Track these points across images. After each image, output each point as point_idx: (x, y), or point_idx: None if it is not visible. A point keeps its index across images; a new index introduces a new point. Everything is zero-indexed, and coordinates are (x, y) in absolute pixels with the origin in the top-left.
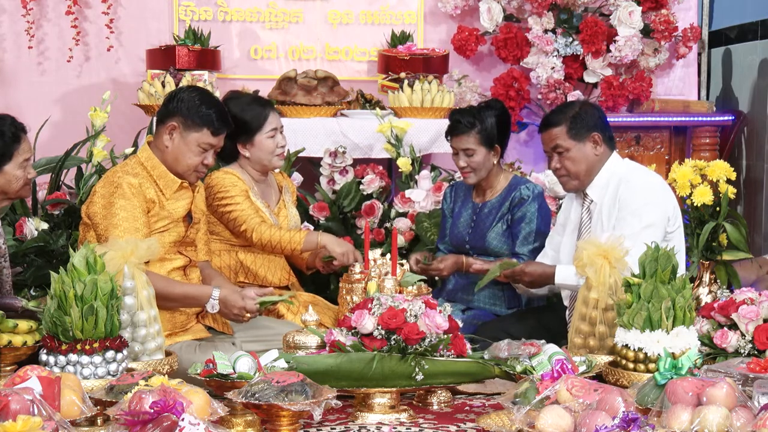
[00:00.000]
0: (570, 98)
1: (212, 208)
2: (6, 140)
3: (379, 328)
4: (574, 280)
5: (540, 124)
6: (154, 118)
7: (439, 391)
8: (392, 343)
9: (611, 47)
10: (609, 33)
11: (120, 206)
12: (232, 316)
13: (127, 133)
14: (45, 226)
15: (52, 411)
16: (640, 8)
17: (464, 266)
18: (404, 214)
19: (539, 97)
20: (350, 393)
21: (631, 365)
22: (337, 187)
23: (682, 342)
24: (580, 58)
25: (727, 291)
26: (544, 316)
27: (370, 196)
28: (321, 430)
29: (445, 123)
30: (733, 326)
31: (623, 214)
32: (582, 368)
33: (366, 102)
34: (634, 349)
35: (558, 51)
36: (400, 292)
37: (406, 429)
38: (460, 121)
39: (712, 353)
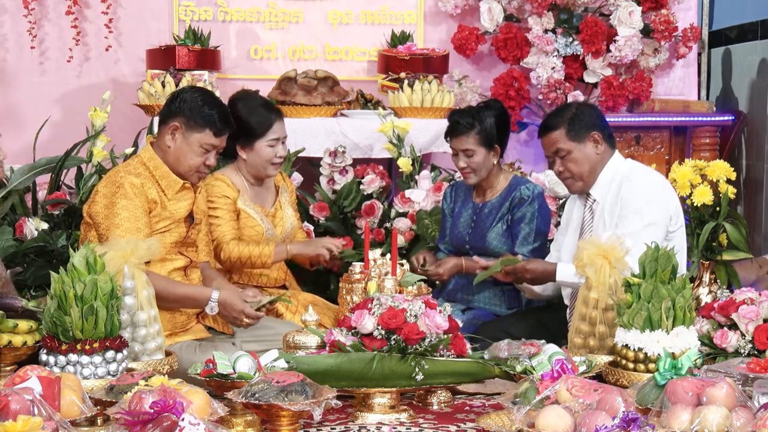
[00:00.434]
0: (570, 98)
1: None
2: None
3: (379, 328)
4: (575, 278)
5: (539, 129)
6: (155, 118)
7: (439, 391)
8: (392, 343)
9: (611, 47)
10: (609, 33)
11: (122, 206)
12: (231, 318)
13: (127, 133)
14: (45, 226)
15: (52, 411)
16: (640, 8)
17: (464, 269)
18: (404, 214)
19: (539, 97)
20: (350, 393)
21: (631, 365)
22: (337, 187)
23: (682, 342)
24: (580, 58)
25: (727, 291)
26: (544, 316)
27: (370, 196)
28: (321, 430)
29: (445, 123)
30: (733, 326)
31: (625, 213)
32: (582, 368)
33: (366, 102)
34: (634, 349)
35: (558, 51)
36: (400, 292)
37: (406, 429)
38: (459, 122)
39: (712, 353)
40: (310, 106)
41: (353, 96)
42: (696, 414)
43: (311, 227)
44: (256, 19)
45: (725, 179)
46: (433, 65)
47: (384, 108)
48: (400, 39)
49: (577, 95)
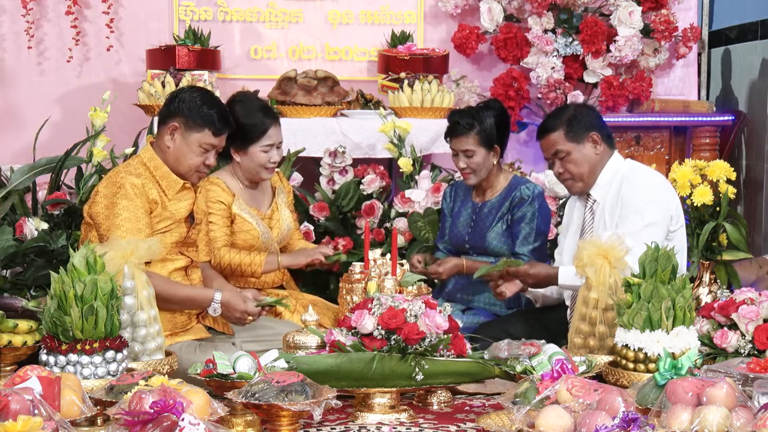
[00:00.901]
0: (570, 98)
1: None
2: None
3: (379, 328)
4: (578, 281)
5: (537, 131)
6: (155, 118)
7: (439, 391)
8: (392, 343)
9: (611, 47)
10: (609, 33)
11: (123, 206)
12: (234, 319)
13: (127, 133)
14: (45, 226)
15: (52, 411)
16: (640, 8)
17: (464, 269)
18: (404, 214)
19: (539, 97)
20: (350, 393)
21: (631, 365)
22: (337, 187)
23: (682, 342)
24: (580, 58)
25: (727, 291)
26: (544, 316)
27: (370, 196)
28: (321, 430)
29: (445, 123)
30: (733, 326)
31: (626, 212)
32: (582, 368)
33: (366, 102)
34: (634, 349)
35: (558, 51)
36: (400, 292)
37: (406, 429)
38: (458, 123)
39: (712, 353)
40: (310, 106)
41: (353, 96)
42: (696, 414)
43: (311, 227)
44: (256, 19)
45: (725, 179)
46: (433, 65)
47: (384, 108)
48: (400, 39)
49: (576, 95)
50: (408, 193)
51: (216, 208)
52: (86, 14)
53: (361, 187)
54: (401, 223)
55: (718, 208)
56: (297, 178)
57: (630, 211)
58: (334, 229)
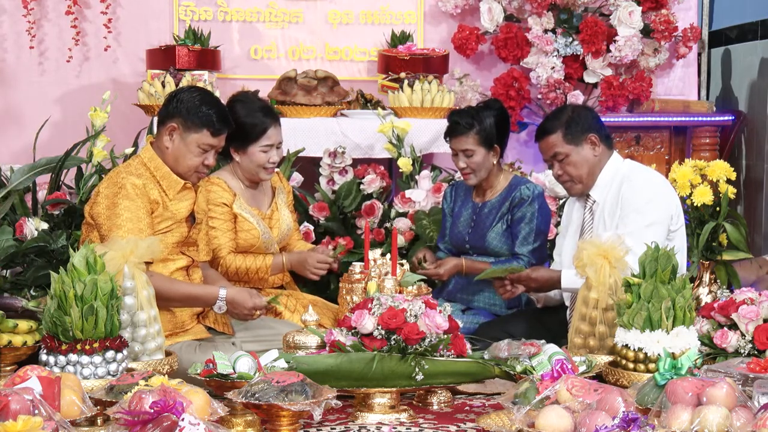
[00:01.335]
0: (570, 98)
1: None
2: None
3: (379, 328)
4: (581, 284)
5: (535, 133)
6: (155, 118)
7: (439, 391)
8: (392, 343)
9: (611, 47)
10: (609, 33)
11: (124, 207)
12: (243, 315)
13: (127, 133)
14: (45, 226)
15: (52, 411)
16: (640, 8)
17: (464, 269)
18: (404, 214)
19: (539, 97)
20: (350, 393)
21: (631, 365)
22: (337, 187)
23: (682, 342)
24: (580, 58)
25: (727, 291)
26: (544, 316)
27: (370, 196)
28: (321, 430)
29: (445, 123)
30: (733, 326)
31: (626, 212)
32: (582, 368)
33: (366, 102)
34: (634, 349)
35: (558, 51)
36: (400, 292)
37: (406, 429)
38: (458, 122)
39: (712, 353)
40: (310, 106)
41: (353, 96)
42: (696, 414)
43: (311, 227)
44: (256, 18)
45: (725, 179)
46: (433, 65)
47: (384, 108)
48: (400, 39)
49: (576, 95)
50: (408, 193)
51: (218, 212)
52: (86, 14)
53: (361, 187)
54: (401, 223)
55: (718, 208)
56: (297, 178)
57: (630, 211)
58: (334, 229)
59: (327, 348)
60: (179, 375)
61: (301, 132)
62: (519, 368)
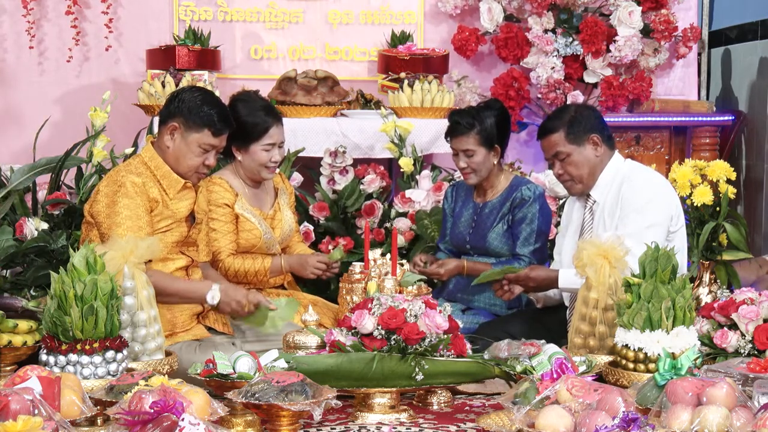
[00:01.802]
0: (570, 98)
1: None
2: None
3: (379, 328)
4: (578, 283)
5: (537, 132)
6: (155, 118)
7: (439, 391)
8: (392, 343)
9: (611, 47)
10: (609, 33)
11: (123, 205)
12: (234, 304)
13: (127, 133)
14: (45, 226)
15: (52, 411)
16: (640, 8)
17: (465, 271)
18: (404, 214)
19: (539, 97)
20: (350, 393)
21: (631, 365)
22: (337, 187)
23: (682, 342)
24: (580, 58)
25: (727, 291)
26: (544, 316)
27: (370, 196)
28: (321, 430)
29: (445, 123)
30: (733, 326)
31: (626, 212)
32: (582, 368)
33: (366, 102)
34: (634, 349)
35: (558, 51)
36: (400, 292)
37: (406, 429)
38: (459, 122)
39: (712, 353)
40: (310, 106)
41: (353, 96)
42: (696, 414)
43: (311, 227)
44: (257, 19)
45: (725, 179)
46: (433, 65)
47: (384, 108)
48: (400, 39)
49: (576, 95)
50: (408, 193)
51: (219, 213)
52: (86, 14)
53: (362, 187)
54: (401, 223)
55: (718, 208)
56: (297, 178)
57: (630, 211)
58: (334, 229)
59: (327, 348)
60: (179, 375)
61: (301, 132)
62: (519, 368)
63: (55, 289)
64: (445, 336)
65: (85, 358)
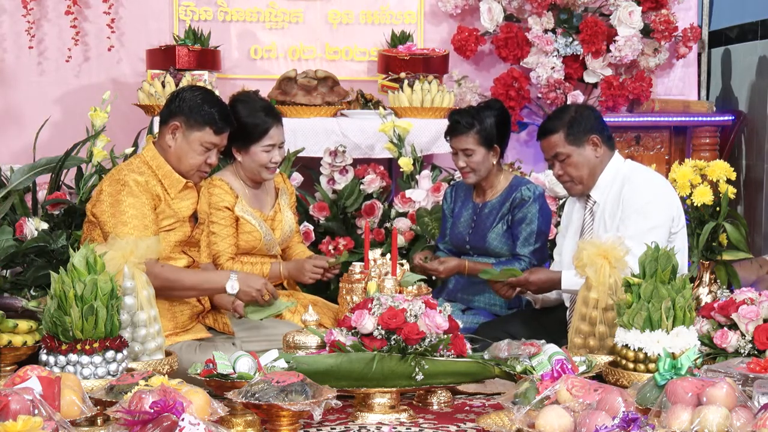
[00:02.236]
0: (570, 98)
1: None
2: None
3: (379, 328)
4: (580, 285)
5: (537, 132)
6: (155, 118)
7: (439, 391)
8: (392, 343)
9: (611, 47)
10: (609, 33)
11: (128, 204)
12: (254, 292)
13: (127, 133)
14: (45, 226)
15: (52, 411)
16: (640, 8)
17: (465, 270)
18: (404, 214)
19: (539, 96)
20: (350, 393)
21: (631, 365)
22: (337, 187)
23: (682, 342)
24: (580, 58)
25: (727, 291)
26: (544, 316)
27: (370, 196)
28: (321, 430)
29: (445, 123)
30: (733, 326)
31: (627, 214)
32: (582, 368)
33: (366, 102)
34: (634, 349)
35: (558, 51)
36: (400, 292)
37: (406, 429)
38: (459, 122)
39: (712, 353)
40: (310, 106)
41: (353, 96)
42: (696, 414)
43: (311, 227)
44: (256, 19)
45: (725, 179)
46: (433, 65)
47: (384, 108)
48: (400, 39)
49: (576, 95)
50: (408, 193)
51: (219, 217)
52: (86, 14)
53: (362, 187)
54: (401, 223)
55: (718, 208)
56: (297, 178)
57: (632, 213)
58: (334, 229)
59: (327, 348)
60: (179, 375)
61: (301, 132)
62: (519, 368)
63: (55, 289)
64: (445, 336)
65: (85, 358)
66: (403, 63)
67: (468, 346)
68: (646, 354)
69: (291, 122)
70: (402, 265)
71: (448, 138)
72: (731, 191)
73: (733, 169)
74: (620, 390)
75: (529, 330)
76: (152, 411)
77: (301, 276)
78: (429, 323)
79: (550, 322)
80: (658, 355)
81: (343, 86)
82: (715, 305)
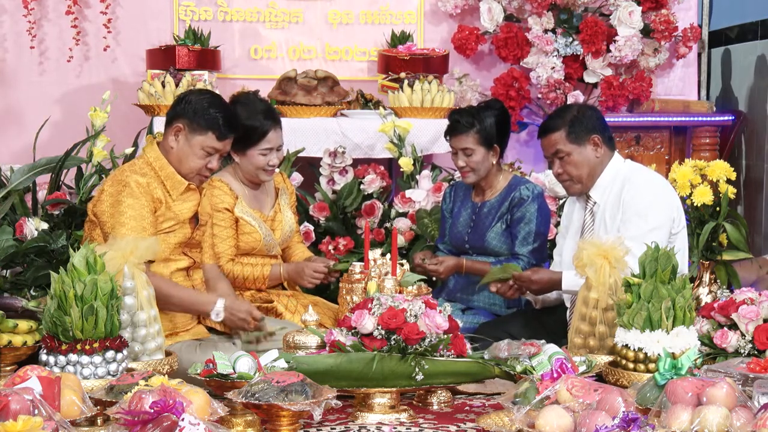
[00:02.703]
0: (570, 98)
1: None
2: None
3: (379, 328)
4: (581, 285)
5: (538, 130)
6: (155, 118)
7: (439, 391)
8: (392, 343)
9: (611, 47)
10: (609, 33)
11: (127, 205)
12: (238, 321)
13: (127, 133)
14: (45, 226)
15: (52, 411)
16: (640, 8)
17: (464, 269)
18: (404, 214)
19: (539, 96)
20: (350, 393)
21: (631, 365)
22: (337, 187)
23: (682, 342)
24: (580, 58)
25: (727, 291)
26: (544, 316)
27: (370, 196)
28: (321, 430)
29: (445, 123)
30: (733, 326)
31: (628, 216)
32: (582, 368)
33: (366, 102)
34: (634, 349)
35: (558, 51)
36: (400, 292)
37: (406, 429)
38: (459, 121)
39: (712, 353)
40: (310, 106)
41: (353, 96)
42: (696, 414)
43: (311, 227)
44: (256, 19)
45: (725, 179)
46: (433, 65)
47: (384, 108)
48: (400, 39)
49: (576, 95)
50: (408, 193)
51: (220, 218)
52: (86, 14)
53: (362, 187)
54: (401, 223)
55: (718, 208)
56: (297, 178)
57: (632, 214)
58: (334, 229)
59: (327, 348)
60: (179, 375)
61: (301, 132)
62: (519, 368)
63: (55, 289)
64: (445, 336)
65: (85, 358)
66: (403, 63)
67: (468, 346)
68: (646, 354)
69: (291, 122)
70: (402, 265)
71: (447, 137)
72: (731, 191)
73: (733, 169)
74: (620, 390)
75: (529, 330)
76: (152, 411)
77: (300, 279)
78: (429, 323)
79: (550, 322)
80: (658, 355)
81: (343, 86)
82: (715, 305)
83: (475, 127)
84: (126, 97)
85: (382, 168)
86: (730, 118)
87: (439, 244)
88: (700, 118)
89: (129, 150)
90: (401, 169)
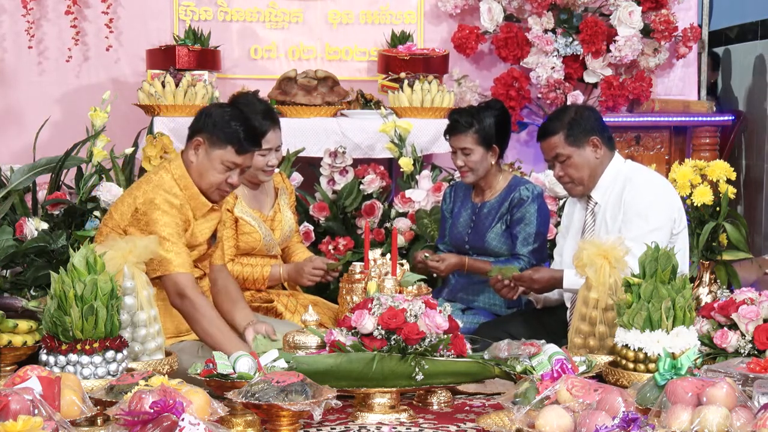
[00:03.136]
0: (570, 98)
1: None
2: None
3: (379, 328)
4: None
5: (537, 133)
6: (156, 118)
7: (439, 391)
8: (392, 343)
9: (611, 47)
10: (609, 33)
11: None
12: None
13: (127, 133)
14: (45, 226)
15: (52, 411)
16: (640, 8)
17: (465, 268)
18: (404, 214)
19: (539, 96)
20: (350, 393)
21: (631, 365)
22: (337, 187)
23: (682, 342)
24: (580, 58)
25: (727, 291)
26: (544, 316)
27: (370, 196)
28: (321, 430)
29: (445, 123)
30: (733, 326)
31: (629, 217)
32: (582, 368)
33: (366, 102)
34: (634, 349)
35: (558, 51)
36: (400, 292)
37: (406, 429)
38: (458, 121)
39: (712, 353)
40: (310, 106)
41: (353, 96)
42: (696, 414)
43: (311, 227)
44: (256, 18)
45: (725, 179)
46: (433, 65)
47: (384, 108)
48: (400, 39)
49: (576, 95)
50: (408, 193)
51: (222, 219)
52: (86, 14)
53: (362, 187)
54: (401, 223)
55: (718, 208)
56: (297, 178)
57: (633, 215)
58: (335, 229)
59: (327, 348)
60: (179, 375)
61: (301, 132)
62: (519, 368)
63: (55, 289)
64: (445, 336)
65: (85, 358)
66: (403, 63)
67: (468, 346)
68: (646, 354)
69: (291, 122)
70: (402, 265)
71: (447, 137)
72: (731, 191)
73: (733, 169)
74: (620, 390)
75: (530, 330)
76: (152, 411)
77: (299, 279)
78: (429, 323)
79: (550, 322)
80: (658, 355)
81: (343, 86)
82: (715, 305)
83: (474, 127)
84: (126, 97)
85: (382, 168)
86: (730, 118)
87: (439, 244)
88: (700, 118)
89: (129, 150)
90: (401, 169)
